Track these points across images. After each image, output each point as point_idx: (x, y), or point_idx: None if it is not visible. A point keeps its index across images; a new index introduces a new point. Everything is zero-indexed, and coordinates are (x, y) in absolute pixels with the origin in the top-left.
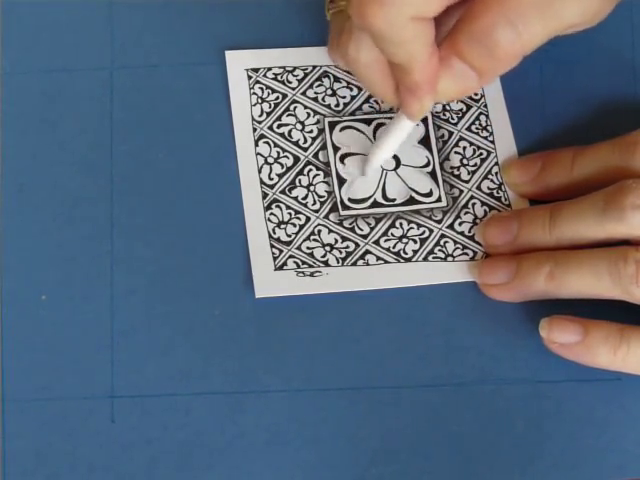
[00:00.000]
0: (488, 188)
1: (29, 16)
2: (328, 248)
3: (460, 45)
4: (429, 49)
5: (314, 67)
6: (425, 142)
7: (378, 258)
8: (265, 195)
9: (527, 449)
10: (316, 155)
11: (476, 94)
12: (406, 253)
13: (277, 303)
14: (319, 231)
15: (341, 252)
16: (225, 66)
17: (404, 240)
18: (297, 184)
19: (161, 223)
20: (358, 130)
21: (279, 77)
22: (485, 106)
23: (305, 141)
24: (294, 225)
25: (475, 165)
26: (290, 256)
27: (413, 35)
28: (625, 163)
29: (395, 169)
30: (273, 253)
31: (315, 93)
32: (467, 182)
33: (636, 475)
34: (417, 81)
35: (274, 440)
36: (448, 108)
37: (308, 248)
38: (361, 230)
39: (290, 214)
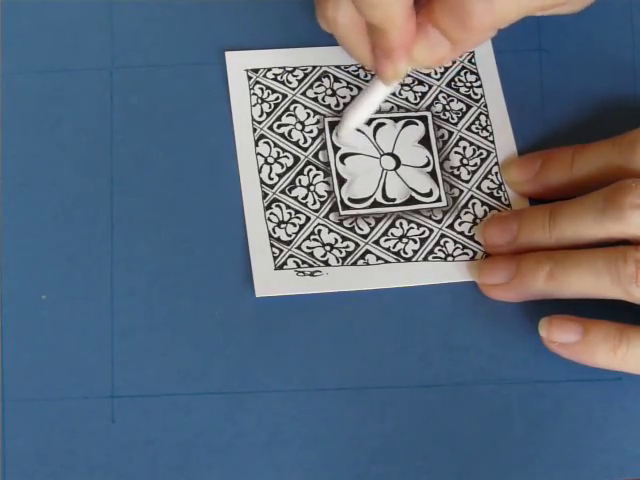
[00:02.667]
0: (488, 188)
1: (29, 16)
2: (328, 248)
3: (435, 13)
4: (407, 13)
5: (314, 67)
6: (425, 142)
7: (378, 258)
8: (265, 195)
9: (527, 449)
10: (316, 155)
11: (476, 94)
12: (406, 253)
13: (277, 303)
14: (319, 231)
15: (341, 252)
16: (225, 66)
17: (404, 240)
18: (297, 184)
19: (161, 223)
20: (358, 130)
21: (279, 77)
22: (485, 106)
23: (305, 141)
24: (294, 225)
25: (475, 165)
26: (290, 256)
27: None
28: (625, 161)
29: (395, 169)
30: (273, 253)
31: (315, 93)
32: (467, 182)
33: (636, 475)
34: (392, 44)
35: (274, 440)
36: (448, 108)
37: (308, 248)
38: (361, 230)
39: (290, 214)
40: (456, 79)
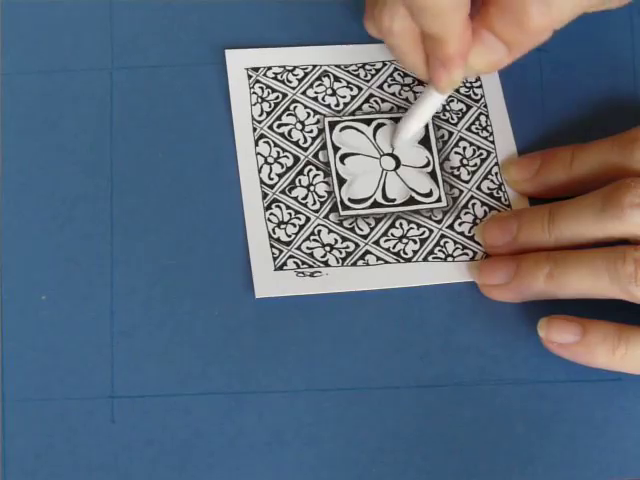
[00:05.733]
0: (488, 188)
1: (29, 16)
2: (328, 248)
3: (491, 18)
4: (464, 22)
5: (314, 66)
6: (425, 142)
7: (378, 258)
8: (265, 195)
9: (527, 449)
10: (316, 155)
11: (476, 94)
12: (406, 253)
13: (277, 303)
14: (319, 231)
15: (341, 252)
16: (225, 66)
17: (404, 240)
18: (297, 184)
19: (161, 223)
20: (358, 130)
21: (279, 76)
22: (485, 106)
23: (305, 141)
24: (294, 225)
25: (475, 165)
26: (290, 256)
27: (451, 7)
28: (624, 160)
29: (395, 169)
30: (273, 253)
31: (315, 93)
32: (467, 182)
33: (636, 475)
34: (450, 54)
35: (274, 440)
36: (448, 108)
37: (308, 248)
38: (361, 230)
39: (290, 214)
40: None
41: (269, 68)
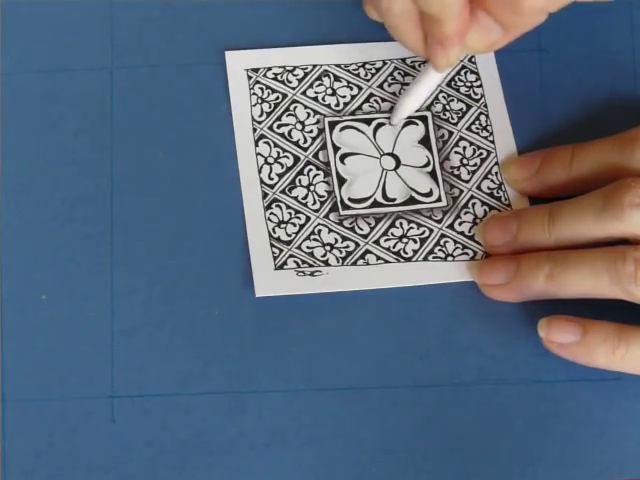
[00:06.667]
0: (488, 188)
1: (29, 16)
2: (328, 248)
3: None
4: (462, 2)
5: (314, 66)
6: (425, 142)
7: (378, 258)
8: (265, 195)
9: (527, 449)
10: (316, 155)
11: (476, 94)
12: (406, 253)
13: (277, 303)
14: (319, 231)
15: (341, 252)
16: (225, 66)
17: (404, 240)
18: (297, 184)
19: (161, 223)
20: (358, 130)
21: (279, 77)
22: (485, 106)
23: (305, 141)
24: (294, 225)
25: (475, 165)
26: (290, 255)
27: None
28: (624, 160)
29: (395, 169)
30: (273, 252)
31: (315, 93)
32: (467, 182)
33: (636, 475)
34: (447, 33)
35: (274, 440)
36: (448, 108)
37: (308, 248)
38: (361, 230)
39: (290, 214)
40: (456, 78)
41: (269, 69)
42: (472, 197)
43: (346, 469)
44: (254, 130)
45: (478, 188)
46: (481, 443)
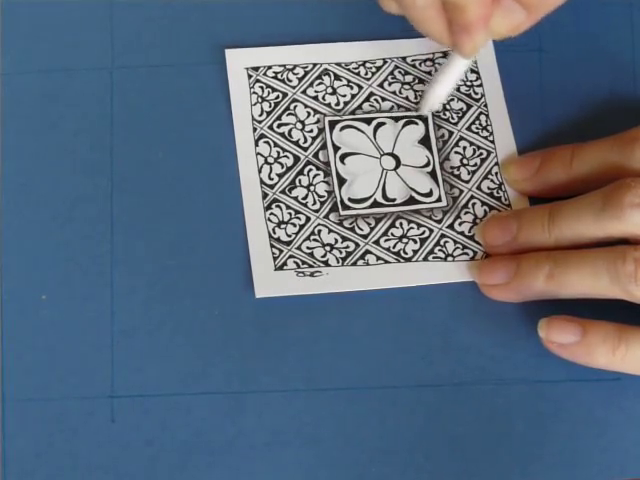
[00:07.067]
0: (488, 188)
1: (29, 16)
2: (328, 248)
3: None
4: None
5: (314, 65)
6: (425, 142)
7: (378, 258)
8: (265, 195)
9: (527, 449)
10: (316, 155)
11: (476, 93)
12: (406, 253)
13: (277, 303)
14: (319, 231)
15: (341, 252)
16: (225, 66)
17: (404, 240)
18: (297, 184)
19: (161, 223)
20: (358, 129)
21: (279, 75)
22: (485, 106)
23: (305, 141)
24: (294, 225)
25: (475, 165)
26: (290, 256)
27: None
28: (624, 160)
29: (395, 169)
30: (273, 253)
31: (315, 91)
32: (467, 182)
33: (636, 475)
34: (472, 19)
35: (274, 440)
36: (448, 108)
37: (308, 248)
38: (361, 230)
39: (290, 214)
40: None
41: (269, 67)
42: (472, 197)
43: (346, 469)
44: (254, 129)
45: (478, 188)
46: (481, 443)
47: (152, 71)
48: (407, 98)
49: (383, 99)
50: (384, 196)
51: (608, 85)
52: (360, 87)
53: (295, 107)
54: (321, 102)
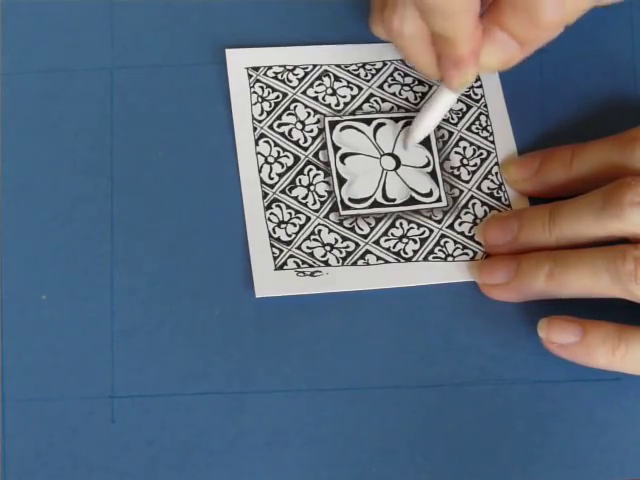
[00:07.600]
0: (488, 188)
1: (29, 16)
2: (328, 248)
3: (503, 15)
4: (475, 21)
5: (314, 66)
6: (425, 142)
7: (378, 258)
8: (265, 195)
9: (527, 449)
10: (316, 155)
11: (476, 94)
12: (406, 253)
13: (277, 303)
14: (319, 231)
15: (341, 252)
16: (225, 66)
17: (404, 240)
18: (297, 184)
19: (161, 223)
20: (358, 130)
21: (279, 76)
22: (485, 106)
23: (305, 140)
24: (294, 225)
25: (475, 165)
26: (290, 256)
27: (462, 7)
28: (624, 159)
29: (395, 169)
30: (273, 253)
31: (315, 92)
32: (467, 182)
33: (636, 475)
34: (461, 53)
35: (274, 440)
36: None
37: (308, 248)
38: (361, 230)
39: (290, 214)
40: None
41: (269, 67)
42: (472, 197)
43: (346, 469)
44: (254, 129)
45: (478, 188)
46: (481, 443)
47: (152, 71)
48: (407, 99)
49: (383, 100)
50: (384, 196)
51: (608, 85)
52: (360, 88)
53: (295, 107)
54: (321, 103)
